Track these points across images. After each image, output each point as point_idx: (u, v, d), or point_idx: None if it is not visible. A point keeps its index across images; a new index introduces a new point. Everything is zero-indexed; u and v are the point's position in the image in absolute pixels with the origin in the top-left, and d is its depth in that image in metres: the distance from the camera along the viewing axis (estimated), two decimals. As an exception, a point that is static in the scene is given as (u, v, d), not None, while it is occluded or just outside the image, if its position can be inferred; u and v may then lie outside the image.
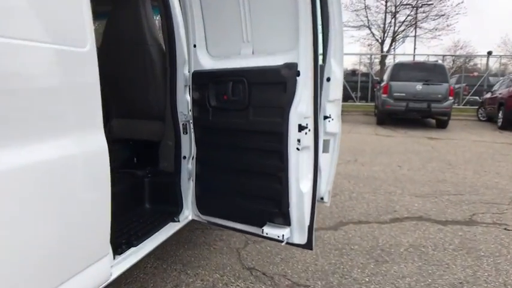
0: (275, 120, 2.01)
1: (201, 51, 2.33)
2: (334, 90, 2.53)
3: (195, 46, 2.33)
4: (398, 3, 24.15)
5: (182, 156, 2.52)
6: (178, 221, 2.51)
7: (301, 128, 1.94)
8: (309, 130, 1.97)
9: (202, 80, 2.29)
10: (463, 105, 16.82)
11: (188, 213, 2.58)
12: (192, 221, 2.60)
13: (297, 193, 2.01)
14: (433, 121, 11.89)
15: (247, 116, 2.12)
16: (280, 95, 1.98)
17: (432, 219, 3.83)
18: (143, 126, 2.78)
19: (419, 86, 10.85)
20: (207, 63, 2.31)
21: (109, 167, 1.57)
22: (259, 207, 2.14)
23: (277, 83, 1.99)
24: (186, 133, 2.50)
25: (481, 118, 14.08)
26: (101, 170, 1.56)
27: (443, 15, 23.86)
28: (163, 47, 2.55)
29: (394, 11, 24.67)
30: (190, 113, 2.42)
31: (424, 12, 24.10)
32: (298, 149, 1.97)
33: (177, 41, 2.40)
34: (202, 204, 2.46)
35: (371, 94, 17.40)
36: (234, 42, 2.21)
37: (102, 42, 2.76)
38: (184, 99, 2.46)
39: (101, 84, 2.87)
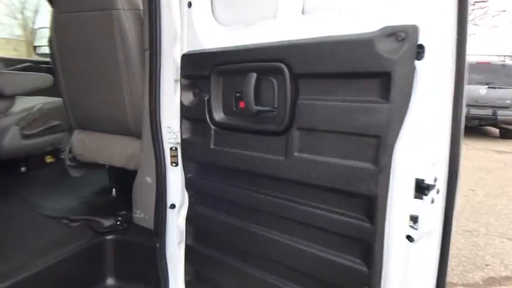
0: (357, 165, 0.86)
1: (202, 14, 1.21)
2: None
3: (190, 5, 1.22)
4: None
5: (169, 204, 1.43)
6: (159, 317, 1.43)
7: (422, 188, 0.78)
8: (438, 192, 0.80)
9: (199, 68, 1.17)
10: (525, 112, 15.02)
11: (178, 298, 1.49)
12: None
13: None
14: (494, 129, 10.48)
15: (288, 149, 0.98)
16: (372, 104, 0.83)
17: (544, 282, 2.69)
18: (113, 145, 1.72)
19: (483, 90, 9.58)
20: (212, 36, 1.19)
21: None
22: None
23: (366, 74, 0.83)
24: (177, 164, 1.40)
25: (548, 127, 12.39)
26: None
27: (504, 10, 21.65)
28: (141, 14, 1.49)
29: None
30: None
31: (481, 8, 21.97)
32: (410, 238, 0.80)
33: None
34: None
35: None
36: None
37: (54, 13, 1.76)
38: (174, 104, 1.36)
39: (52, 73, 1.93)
